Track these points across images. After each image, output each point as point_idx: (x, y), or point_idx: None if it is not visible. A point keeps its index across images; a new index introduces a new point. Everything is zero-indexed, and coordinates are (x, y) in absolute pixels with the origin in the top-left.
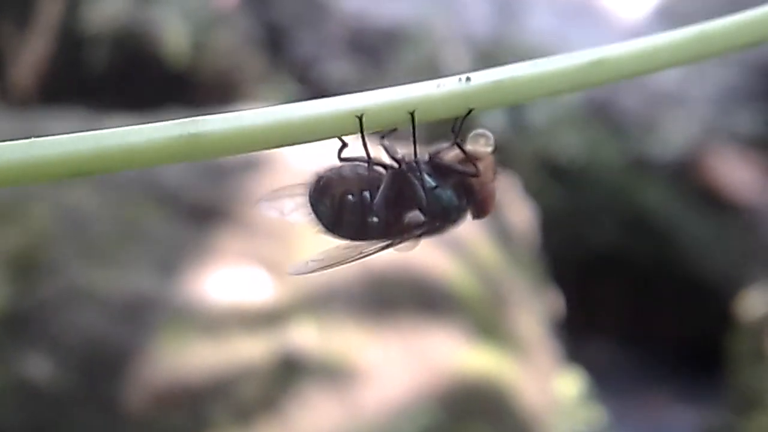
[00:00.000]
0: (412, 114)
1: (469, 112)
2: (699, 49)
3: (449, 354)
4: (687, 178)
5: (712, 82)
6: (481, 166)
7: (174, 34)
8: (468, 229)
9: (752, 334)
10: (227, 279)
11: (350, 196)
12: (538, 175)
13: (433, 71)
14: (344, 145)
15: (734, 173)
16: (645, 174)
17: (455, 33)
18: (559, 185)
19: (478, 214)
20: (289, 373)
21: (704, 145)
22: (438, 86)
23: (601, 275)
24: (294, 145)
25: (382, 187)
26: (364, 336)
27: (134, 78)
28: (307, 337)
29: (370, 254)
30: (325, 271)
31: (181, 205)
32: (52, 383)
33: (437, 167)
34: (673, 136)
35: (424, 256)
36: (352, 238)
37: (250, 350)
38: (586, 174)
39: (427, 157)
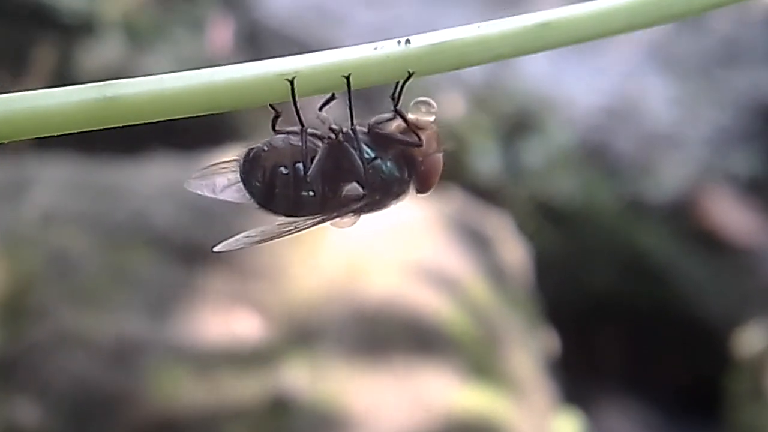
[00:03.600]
0: (347, 78)
1: (409, 76)
2: (652, 13)
3: (443, 394)
4: (684, 219)
5: (706, 123)
6: (423, 135)
7: None
8: (460, 267)
9: (750, 372)
10: (218, 321)
11: (282, 169)
12: (534, 217)
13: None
14: (277, 114)
15: (731, 214)
16: (641, 216)
17: (449, 78)
18: (554, 228)
19: (422, 187)
20: (281, 414)
21: (700, 186)
22: (375, 48)
23: (599, 317)
24: (220, 111)
25: (316, 158)
26: (357, 376)
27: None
28: (298, 377)
29: (305, 229)
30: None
31: (171, 246)
32: (42, 428)
33: (377, 137)
34: (669, 177)
35: (417, 295)
36: (287, 214)
37: (241, 391)
38: (582, 216)
39: (366, 128)
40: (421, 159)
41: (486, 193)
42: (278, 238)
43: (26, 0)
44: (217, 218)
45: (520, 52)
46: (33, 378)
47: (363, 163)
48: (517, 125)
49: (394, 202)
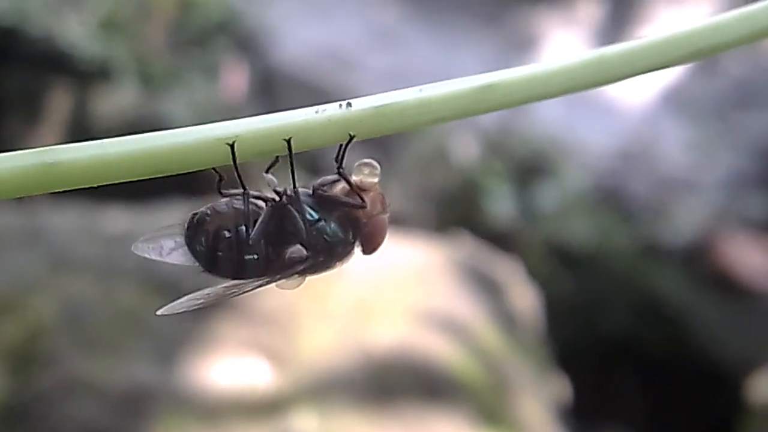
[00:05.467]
0: (288, 141)
1: (351, 139)
2: (595, 74)
3: None
4: (699, 263)
5: (721, 167)
6: (367, 197)
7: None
8: (470, 313)
9: (765, 416)
10: (227, 368)
11: (225, 232)
12: (548, 261)
13: (442, 161)
14: (221, 178)
15: (746, 258)
16: (656, 260)
17: (464, 123)
18: (569, 271)
19: (367, 248)
20: None
21: (716, 230)
22: (317, 112)
23: (614, 361)
24: (162, 175)
25: (259, 221)
26: (366, 424)
27: None
28: (308, 425)
29: (249, 291)
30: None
31: (181, 293)
32: None
33: (321, 199)
34: (684, 221)
35: (426, 341)
36: (231, 276)
37: None
38: (597, 260)
39: (311, 190)
40: (365, 220)
41: (500, 238)
42: (222, 300)
43: (42, 46)
44: None
45: (463, 114)
46: (42, 425)
47: (306, 225)
48: (531, 169)
49: (339, 263)
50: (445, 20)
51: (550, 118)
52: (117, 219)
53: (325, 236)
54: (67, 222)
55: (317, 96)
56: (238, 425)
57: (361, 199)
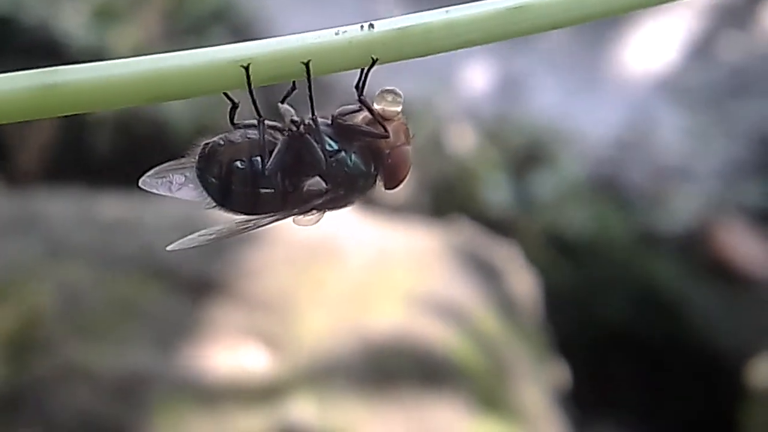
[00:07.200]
0: (306, 64)
1: (373, 63)
2: None
3: (452, 426)
4: (696, 251)
5: (718, 155)
6: (390, 126)
7: (178, 117)
8: (469, 299)
9: (764, 404)
10: (225, 354)
11: (239, 163)
12: (546, 250)
13: (438, 149)
14: (234, 105)
15: (743, 246)
16: (653, 248)
17: (460, 111)
18: (566, 260)
19: (390, 181)
20: None
21: (712, 218)
22: (337, 33)
23: (611, 349)
24: (171, 100)
25: (275, 152)
26: (365, 409)
27: (138, 159)
28: (306, 411)
29: (264, 226)
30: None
31: (179, 279)
32: None
33: (341, 129)
34: (681, 209)
35: (425, 327)
36: (245, 212)
37: (249, 426)
38: (594, 248)
39: (330, 119)
40: (388, 151)
41: (497, 226)
42: (236, 235)
43: (37, 35)
44: (225, 251)
45: (492, 38)
46: (38, 412)
47: (325, 156)
48: (528, 158)
49: (359, 197)
50: (446, 5)
51: (546, 107)
52: (113, 206)
53: (345, 168)
54: (63, 209)
55: (315, 86)
56: (235, 411)
57: (384, 128)
